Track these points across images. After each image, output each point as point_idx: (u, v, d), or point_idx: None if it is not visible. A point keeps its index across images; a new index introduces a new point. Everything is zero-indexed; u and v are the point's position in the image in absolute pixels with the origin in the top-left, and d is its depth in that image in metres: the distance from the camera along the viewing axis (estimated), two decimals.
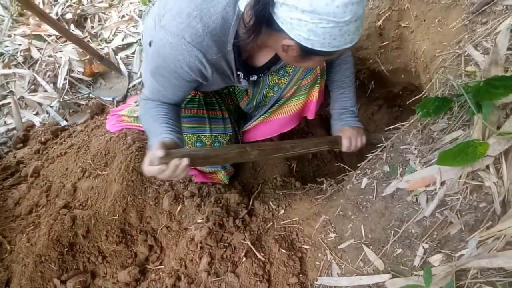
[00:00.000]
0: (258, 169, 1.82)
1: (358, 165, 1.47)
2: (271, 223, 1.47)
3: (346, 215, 1.35)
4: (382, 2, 1.67)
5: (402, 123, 1.43)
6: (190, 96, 1.48)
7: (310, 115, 1.60)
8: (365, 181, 1.36)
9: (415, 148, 1.25)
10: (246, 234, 1.41)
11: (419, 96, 1.43)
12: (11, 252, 1.58)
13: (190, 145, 1.51)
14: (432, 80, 1.38)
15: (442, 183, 1.12)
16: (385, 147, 1.40)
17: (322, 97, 1.60)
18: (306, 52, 1.01)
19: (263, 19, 0.98)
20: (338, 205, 1.39)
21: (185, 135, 1.50)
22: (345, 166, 1.62)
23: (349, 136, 1.50)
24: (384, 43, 1.76)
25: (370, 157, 1.45)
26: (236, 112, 1.71)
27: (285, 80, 1.50)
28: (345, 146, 1.51)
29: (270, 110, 1.59)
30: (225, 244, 1.40)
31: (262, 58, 1.28)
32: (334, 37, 0.94)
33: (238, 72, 1.22)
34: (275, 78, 1.51)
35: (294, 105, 1.59)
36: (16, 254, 1.55)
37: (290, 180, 1.72)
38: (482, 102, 1.03)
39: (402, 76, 1.86)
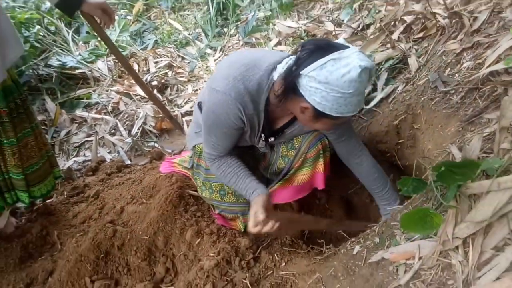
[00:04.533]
0: None
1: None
2: (271, 271, 1.66)
3: (337, 276, 1.50)
4: (400, 106, 1.99)
5: (398, 206, 1.64)
6: None
7: (320, 186, 1.85)
8: (357, 248, 1.54)
9: None
10: (247, 275, 1.62)
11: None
12: (60, 250, 1.93)
13: (216, 193, 1.85)
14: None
15: (420, 258, 1.29)
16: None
17: (328, 170, 1.86)
18: (318, 114, 1.34)
19: (290, 87, 1.35)
20: (331, 266, 1.56)
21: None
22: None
23: None
24: (401, 141, 2.03)
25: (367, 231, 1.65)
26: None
27: (292, 152, 1.81)
28: None
29: (285, 178, 1.86)
30: (227, 278, 1.62)
31: (280, 122, 1.64)
32: (340, 105, 1.27)
33: (261, 134, 1.57)
34: (285, 150, 1.82)
35: (303, 174, 1.85)
36: (64, 252, 1.89)
37: (299, 242, 1.92)
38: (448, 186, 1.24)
39: (416, 172, 2.08)
